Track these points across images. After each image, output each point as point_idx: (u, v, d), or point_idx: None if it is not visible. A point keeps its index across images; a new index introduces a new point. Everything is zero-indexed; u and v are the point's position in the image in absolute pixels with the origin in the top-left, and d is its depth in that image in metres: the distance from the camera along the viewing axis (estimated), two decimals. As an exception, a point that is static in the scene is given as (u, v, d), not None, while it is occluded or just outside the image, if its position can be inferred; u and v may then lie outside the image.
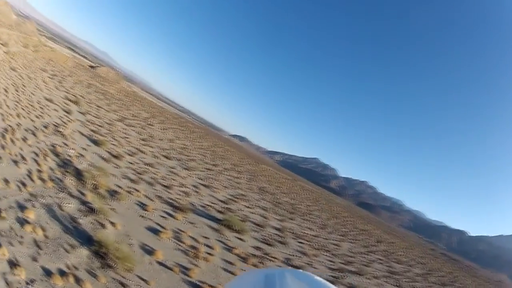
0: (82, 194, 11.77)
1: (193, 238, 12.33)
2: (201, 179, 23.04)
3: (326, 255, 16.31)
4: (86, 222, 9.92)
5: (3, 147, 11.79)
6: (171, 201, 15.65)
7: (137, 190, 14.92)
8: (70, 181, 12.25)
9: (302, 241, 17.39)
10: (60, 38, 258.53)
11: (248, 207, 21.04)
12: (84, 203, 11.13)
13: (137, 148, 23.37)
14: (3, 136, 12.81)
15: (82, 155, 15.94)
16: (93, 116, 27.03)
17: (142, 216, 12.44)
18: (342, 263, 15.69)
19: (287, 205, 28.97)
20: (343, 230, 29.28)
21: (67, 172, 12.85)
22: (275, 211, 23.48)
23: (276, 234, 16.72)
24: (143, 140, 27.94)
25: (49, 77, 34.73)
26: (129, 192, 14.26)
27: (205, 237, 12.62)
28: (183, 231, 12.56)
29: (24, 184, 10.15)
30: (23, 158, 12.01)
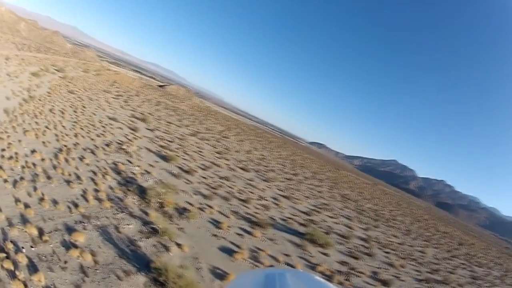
0: (145, 213, 12.33)
1: (272, 257, 12.30)
2: (281, 190, 25.88)
3: (413, 265, 18.32)
4: (146, 245, 10.05)
5: (54, 167, 13.45)
6: (248, 216, 16.15)
7: (210, 207, 15.86)
8: (132, 200, 13.07)
9: (388, 250, 19.48)
10: (124, 62, 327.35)
11: (331, 217, 23.71)
12: (146, 223, 11.48)
13: (211, 162, 26.05)
14: (56, 156, 14.82)
15: (148, 172, 17.69)
16: (163, 132, 31.75)
17: (215, 235, 12.76)
18: (428, 272, 17.88)
19: (370, 212, 33.51)
20: (426, 234, 33.85)
21: (129, 190, 13.87)
22: (359, 220, 26.68)
23: (361, 245, 18.68)
24: (218, 153, 31.77)
25: (113, 98, 42.66)
26: (200, 209, 15.17)
27: (286, 255, 13.10)
28: (261, 250, 12.69)
29: (76, 205, 10.88)
30: (78, 177, 13.38)
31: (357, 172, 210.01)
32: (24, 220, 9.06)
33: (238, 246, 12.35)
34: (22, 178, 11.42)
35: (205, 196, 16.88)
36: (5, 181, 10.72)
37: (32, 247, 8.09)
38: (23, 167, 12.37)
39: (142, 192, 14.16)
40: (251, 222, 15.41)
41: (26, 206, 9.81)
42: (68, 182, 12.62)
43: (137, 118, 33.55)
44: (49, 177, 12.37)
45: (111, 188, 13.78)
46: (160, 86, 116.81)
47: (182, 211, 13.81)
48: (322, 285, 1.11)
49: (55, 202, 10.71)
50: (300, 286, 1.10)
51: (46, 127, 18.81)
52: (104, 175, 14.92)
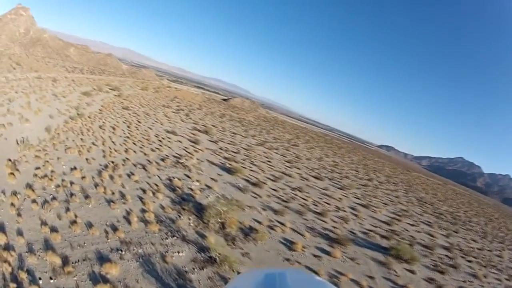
0: (202, 237, 12.18)
1: (355, 281, 13.00)
2: (358, 198, 30.19)
3: (493, 273, 21.85)
4: (200, 278, 9.58)
5: (95, 186, 14.27)
6: (326, 232, 17.71)
7: (282, 224, 16.58)
8: (186, 221, 13.22)
9: (471, 258, 23.33)
10: (185, 79, 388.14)
11: (412, 225, 27.70)
12: (202, 249, 11.18)
13: (282, 172, 29.44)
14: (99, 174, 15.90)
15: (209, 187, 18.68)
16: (227, 143, 35.74)
17: (288, 260, 12.84)
18: (507, 279, 21.44)
19: (447, 215, 41.09)
20: (500, 235, 42.06)
21: (184, 209, 14.23)
22: (439, 225, 31.78)
23: (445, 255, 21.71)
24: (288, 162, 36.57)
25: (173, 112, 48.24)
26: (270, 227, 15.73)
27: (370, 277, 13.96)
28: (342, 274, 13.15)
29: (114, 229, 10.91)
30: (122, 196, 13.93)
31: (427, 172, 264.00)
32: (47, 246, 9.23)
33: (315, 272, 12.15)
34: (54, 198, 12.24)
35: (275, 212, 18.08)
36: (33, 201, 11.56)
37: (51, 278, 8.04)
38: (57, 186, 13.42)
39: (200, 210, 14.41)
40: (329, 239, 16.70)
41: (53, 230, 10.14)
42: (109, 202, 13.12)
43: (198, 130, 37.56)
44: (87, 197, 13.08)
45: (162, 207, 14.12)
46: (224, 100, 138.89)
47: (248, 232, 14.05)
48: (322, 285, 1.36)
49: (89, 226, 10.99)
50: (300, 286, 1.35)
51: (93, 143, 21.10)
52: (155, 192, 15.51)
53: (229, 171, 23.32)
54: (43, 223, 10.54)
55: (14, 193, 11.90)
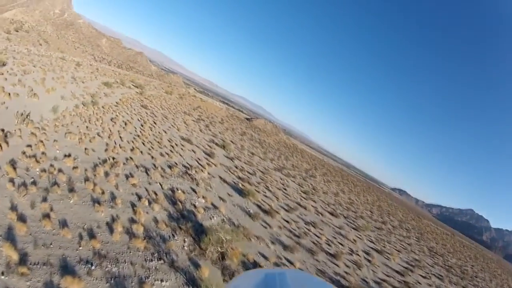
0: (195, 265, 11.06)
1: None
2: (372, 242, 31.06)
3: None
4: None
5: (85, 180, 13.40)
6: (338, 277, 17.53)
7: (291, 263, 16.04)
8: (180, 243, 12.15)
9: None
10: (212, 92, 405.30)
11: (424, 277, 28.28)
12: (191, 282, 9.99)
13: (297, 202, 29.50)
14: (94, 168, 15.12)
15: (215, 207, 17.75)
16: (244, 162, 35.58)
17: None
18: None
19: (456, 269, 43.08)
20: None
21: (181, 228, 13.20)
22: (449, 279, 33.18)
23: None
24: (304, 192, 36.91)
25: (193, 120, 48.44)
26: (277, 265, 14.93)
27: None
28: None
29: (91, 235, 9.78)
30: (112, 198, 12.88)
31: (436, 221, 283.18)
32: (9, 236, 8.33)
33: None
34: (34, 183, 11.38)
35: (285, 247, 17.74)
36: (11, 180, 10.77)
37: (2, 274, 7.23)
38: (43, 170, 12.59)
39: (199, 233, 13.43)
40: (341, 286, 16.59)
41: (21, 219, 9.25)
42: (95, 202, 12.18)
43: (216, 144, 37.54)
44: (71, 190, 12.16)
45: (155, 221, 13.07)
46: (247, 119, 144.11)
47: (251, 268, 12.84)
48: (322, 285, 1.45)
49: (63, 224, 9.96)
50: (300, 286, 1.44)
51: (98, 134, 20.62)
52: (152, 202, 14.53)
53: (241, 192, 22.77)
54: (13, 207, 9.69)
55: (-8, 167, 11.09)
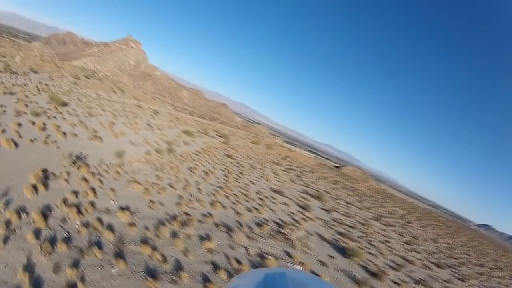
0: None
1: None
2: None
3: None
4: None
5: (142, 242, 10.84)
6: None
7: None
8: None
9: None
10: (298, 142, 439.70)
11: None
12: None
13: (402, 256, 28.11)
14: (157, 227, 12.83)
15: (315, 275, 14.47)
16: (341, 214, 34.24)
17: None
18: None
19: None
20: None
21: None
22: None
23: None
24: (406, 243, 35.74)
25: (283, 170, 47.23)
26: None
27: None
28: None
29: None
30: (176, 269, 10.09)
31: None
32: None
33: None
34: (66, 240, 9.35)
35: None
36: (36, 231, 9.12)
37: None
38: (85, 224, 10.58)
39: None
40: None
41: (35, 283, 7.55)
42: (149, 273, 9.74)
43: (309, 194, 36.52)
44: (118, 255, 9.81)
45: None
46: (336, 166, 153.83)
47: None
48: (322, 285, 1.52)
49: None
50: (300, 286, 1.51)
51: (170, 184, 19.02)
52: (233, 275, 11.64)
53: (344, 252, 20.71)
54: (28, 266, 7.92)
55: (18, 211, 9.82)
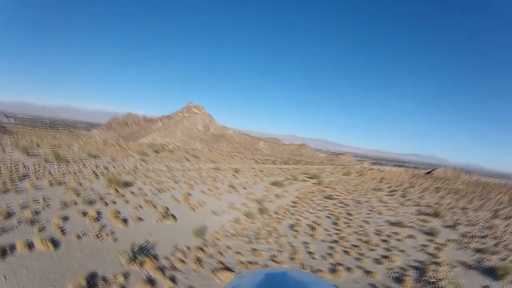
0: None
1: None
2: None
3: None
4: None
5: None
6: None
7: None
8: None
9: None
10: (383, 160, 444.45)
11: None
12: None
13: None
14: None
15: None
16: (466, 225, 29.63)
17: None
18: None
19: None
20: None
21: None
22: None
23: None
24: None
25: (387, 195, 42.62)
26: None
27: None
28: None
29: None
30: None
31: None
32: None
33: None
34: None
35: None
36: None
37: None
38: None
39: None
40: None
41: None
42: None
43: (425, 214, 32.44)
44: None
45: None
46: (427, 173, 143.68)
47: None
48: (322, 285, 1.60)
49: None
50: (300, 286, 1.57)
51: (272, 259, 15.43)
52: None
53: (493, 273, 16.95)
54: None
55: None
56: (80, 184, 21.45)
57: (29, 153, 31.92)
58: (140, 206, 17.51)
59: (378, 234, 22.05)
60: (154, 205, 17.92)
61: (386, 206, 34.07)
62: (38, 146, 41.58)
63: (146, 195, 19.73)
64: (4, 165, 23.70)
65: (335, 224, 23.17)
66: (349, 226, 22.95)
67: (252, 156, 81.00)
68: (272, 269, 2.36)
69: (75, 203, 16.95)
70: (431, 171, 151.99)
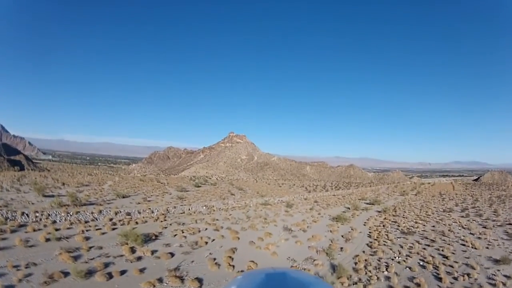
0: None
1: None
2: None
3: None
4: None
5: None
6: None
7: None
8: None
9: None
10: (428, 172, 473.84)
11: None
12: None
13: None
14: None
15: None
16: None
17: None
18: None
19: None
20: None
21: None
22: None
23: None
24: None
25: (462, 217, 38.72)
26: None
27: None
28: None
29: None
30: None
31: None
32: None
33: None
34: None
35: None
36: None
37: None
38: None
39: None
40: None
41: None
42: None
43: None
44: None
45: None
46: (475, 180, 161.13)
47: None
48: (321, 285, 1.63)
49: None
50: (300, 286, 1.62)
51: None
52: None
53: None
54: None
55: None
56: (86, 239, 16.68)
57: (45, 194, 28.05)
58: (160, 281, 11.71)
59: (493, 285, 16.80)
60: (181, 278, 12.12)
61: (472, 233, 29.08)
62: (63, 185, 37.48)
63: (173, 254, 15.11)
64: (5, 210, 20.06)
65: (438, 279, 17.22)
66: (455, 278, 17.22)
67: (300, 182, 78.25)
68: (272, 269, 1.73)
69: (65, 275, 11.76)
70: (478, 178, 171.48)
